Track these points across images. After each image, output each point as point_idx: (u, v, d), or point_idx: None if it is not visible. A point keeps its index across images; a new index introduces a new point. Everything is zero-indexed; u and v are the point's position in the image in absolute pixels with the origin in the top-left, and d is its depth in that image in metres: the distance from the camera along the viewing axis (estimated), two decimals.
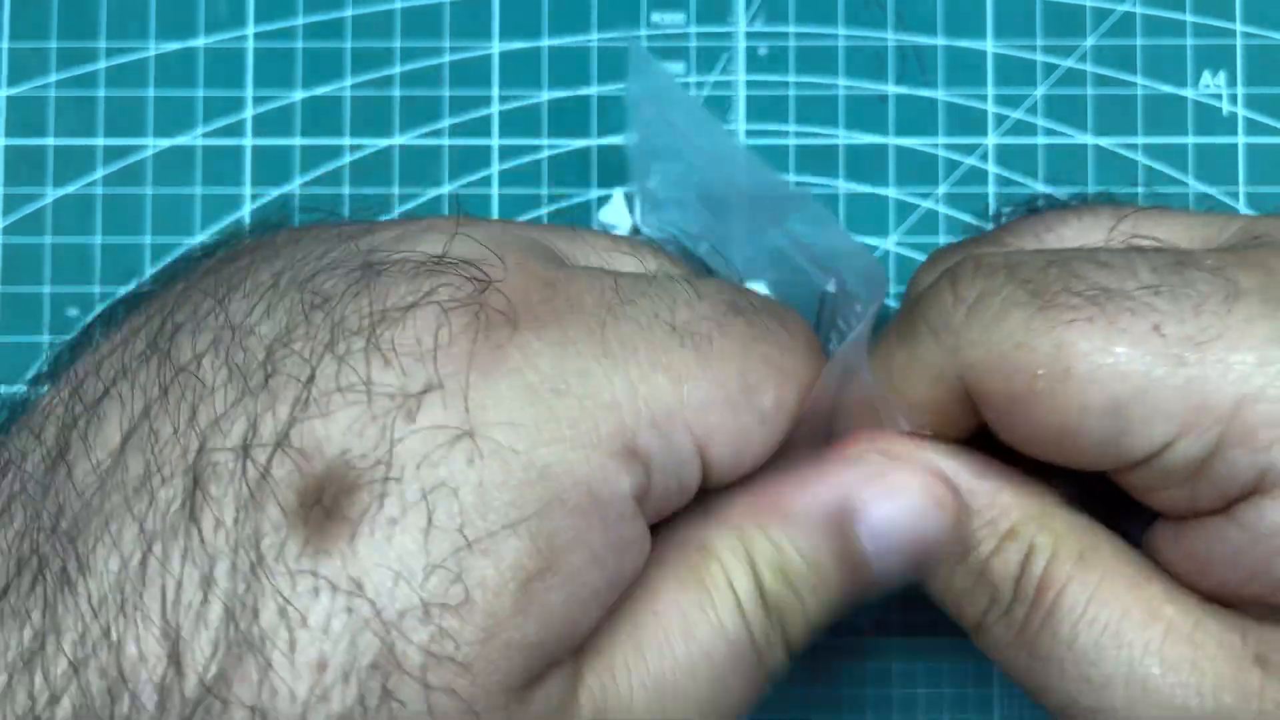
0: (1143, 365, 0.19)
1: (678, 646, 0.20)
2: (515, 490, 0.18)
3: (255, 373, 0.18)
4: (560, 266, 0.21)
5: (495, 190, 0.31)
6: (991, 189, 0.31)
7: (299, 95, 0.31)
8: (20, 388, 0.30)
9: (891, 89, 0.31)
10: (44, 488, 0.18)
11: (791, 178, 0.30)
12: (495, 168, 0.31)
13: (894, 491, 0.21)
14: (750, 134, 0.31)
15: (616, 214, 0.30)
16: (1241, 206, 0.30)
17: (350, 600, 0.17)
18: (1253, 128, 0.31)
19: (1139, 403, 0.19)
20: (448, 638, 0.17)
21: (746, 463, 0.20)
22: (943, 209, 0.31)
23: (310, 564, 0.17)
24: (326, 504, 0.17)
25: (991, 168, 0.31)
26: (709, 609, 0.20)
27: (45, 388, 0.20)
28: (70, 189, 0.31)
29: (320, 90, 0.31)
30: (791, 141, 0.31)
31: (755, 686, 0.20)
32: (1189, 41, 0.31)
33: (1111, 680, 0.20)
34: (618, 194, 0.30)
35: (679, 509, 0.20)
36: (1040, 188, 0.31)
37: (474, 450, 0.17)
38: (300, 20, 0.31)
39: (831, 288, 0.25)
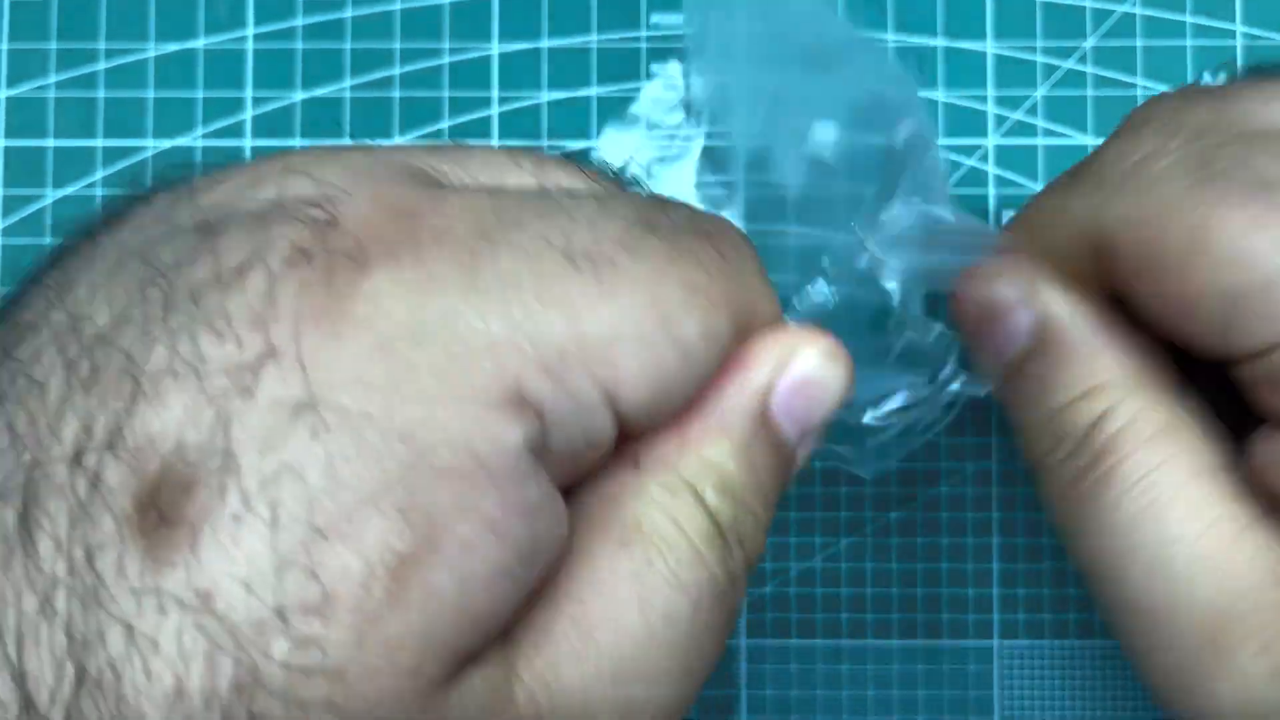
0: (1274, 262, 0.19)
1: (632, 618, 0.17)
2: (371, 461, 0.15)
3: (83, 366, 0.16)
4: (428, 191, 0.17)
5: None
6: (992, 190, 0.31)
7: (299, 96, 0.31)
8: None
9: None
10: None
11: None
12: None
13: (794, 363, 0.19)
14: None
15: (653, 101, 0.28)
16: None
17: (199, 617, 0.14)
18: None
19: (1259, 297, 0.19)
20: (312, 646, 0.14)
21: (675, 403, 0.17)
22: None
23: (153, 579, 0.14)
24: (163, 507, 0.15)
25: (991, 169, 0.31)
26: (660, 563, 0.17)
27: None
28: (70, 190, 0.31)
29: (320, 91, 0.31)
30: None
31: (729, 621, 0.18)
32: (1189, 42, 0.31)
33: (1135, 556, 0.20)
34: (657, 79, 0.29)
35: (598, 466, 0.17)
36: (1040, 189, 0.31)
37: (318, 422, 0.15)
38: (300, 21, 0.31)
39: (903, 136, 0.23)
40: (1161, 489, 0.20)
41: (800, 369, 0.19)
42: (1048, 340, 0.22)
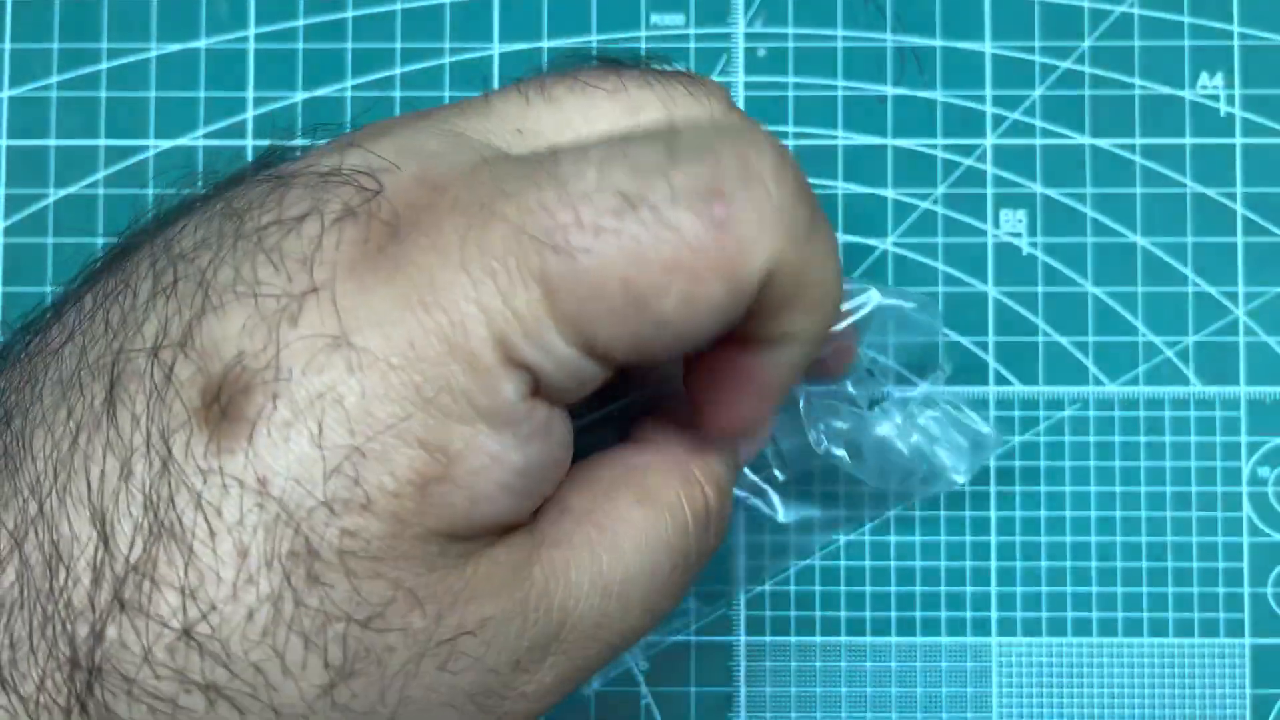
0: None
1: (630, 556, 0.21)
2: (397, 403, 0.18)
3: (166, 277, 0.19)
4: (466, 166, 0.20)
5: None
6: (990, 190, 0.31)
7: (300, 96, 0.31)
8: None
9: (890, 90, 0.31)
10: (13, 386, 0.20)
11: None
12: None
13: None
14: None
15: None
16: (1239, 207, 0.30)
17: (259, 497, 0.18)
18: (1250, 128, 0.31)
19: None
20: (357, 536, 0.18)
21: (663, 355, 0.19)
22: (941, 209, 0.31)
23: (216, 461, 0.18)
24: (224, 403, 0.18)
25: (990, 168, 0.31)
26: (662, 526, 0.22)
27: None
28: (72, 189, 0.31)
29: (321, 91, 0.31)
30: (790, 142, 0.31)
31: (686, 586, 0.22)
32: (1187, 42, 0.31)
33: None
34: None
35: (607, 382, 0.20)
36: (1038, 188, 0.31)
37: (354, 359, 0.18)
38: (301, 21, 0.31)
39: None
40: None
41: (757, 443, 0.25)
42: None
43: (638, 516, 0.21)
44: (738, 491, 0.30)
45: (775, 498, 0.30)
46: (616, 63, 0.22)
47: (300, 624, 0.18)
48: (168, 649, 0.18)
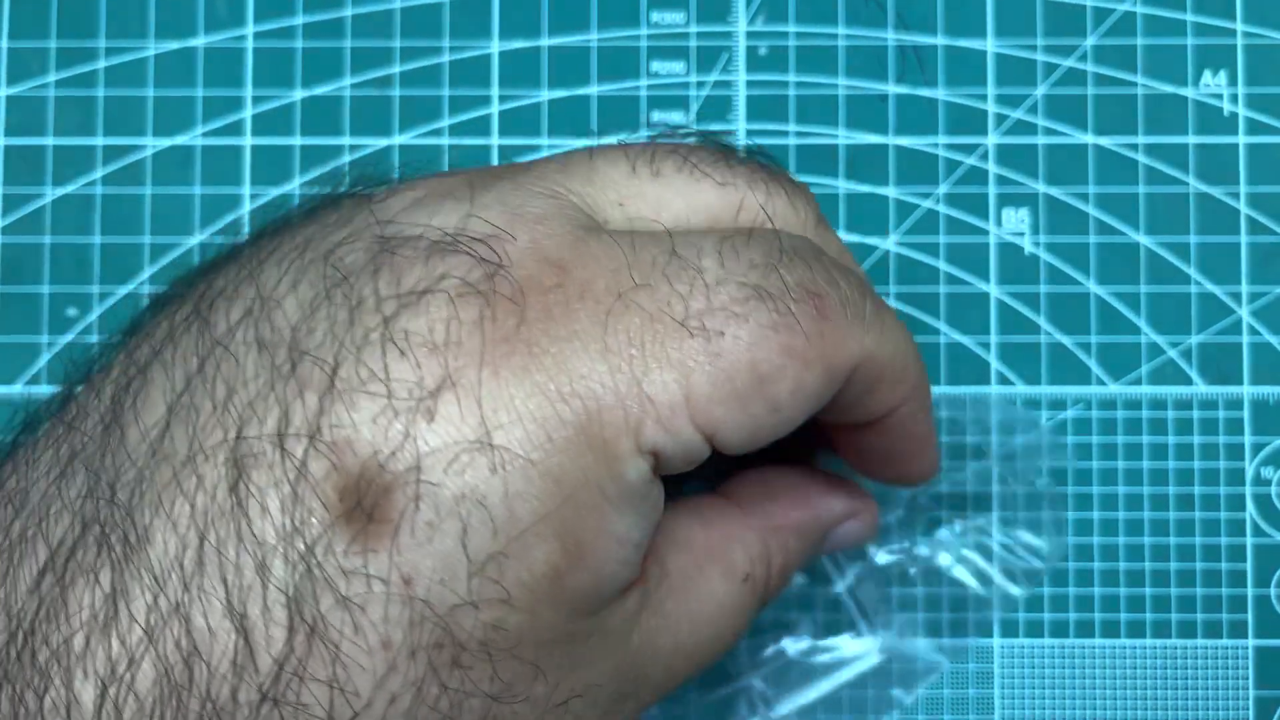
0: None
1: (706, 628, 0.23)
2: (538, 499, 0.19)
3: (282, 356, 0.19)
4: (575, 240, 0.20)
5: None
6: (992, 189, 0.31)
7: (299, 95, 0.31)
8: (19, 388, 0.30)
9: (891, 89, 0.31)
10: (101, 450, 0.19)
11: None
12: None
13: (859, 521, 0.26)
14: (750, 134, 0.31)
15: None
16: (1243, 206, 0.30)
17: (401, 594, 0.18)
18: (1253, 127, 0.31)
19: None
20: (497, 628, 0.19)
21: (762, 442, 0.21)
22: (943, 209, 0.31)
23: (359, 562, 0.18)
24: (366, 506, 0.18)
25: (992, 167, 0.31)
26: (729, 583, 0.23)
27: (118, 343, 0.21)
28: (69, 189, 0.31)
29: (320, 89, 0.31)
30: (791, 141, 0.31)
31: (736, 639, 0.24)
32: (1189, 41, 0.31)
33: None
34: None
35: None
36: (1040, 187, 0.31)
37: (496, 459, 0.18)
38: (300, 20, 0.31)
39: None
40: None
41: (852, 525, 0.26)
42: None
43: (721, 591, 0.23)
44: None
45: None
46: (723, 147, 0.23)
47: (440, 704, 0.19)
48: None
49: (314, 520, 0.18)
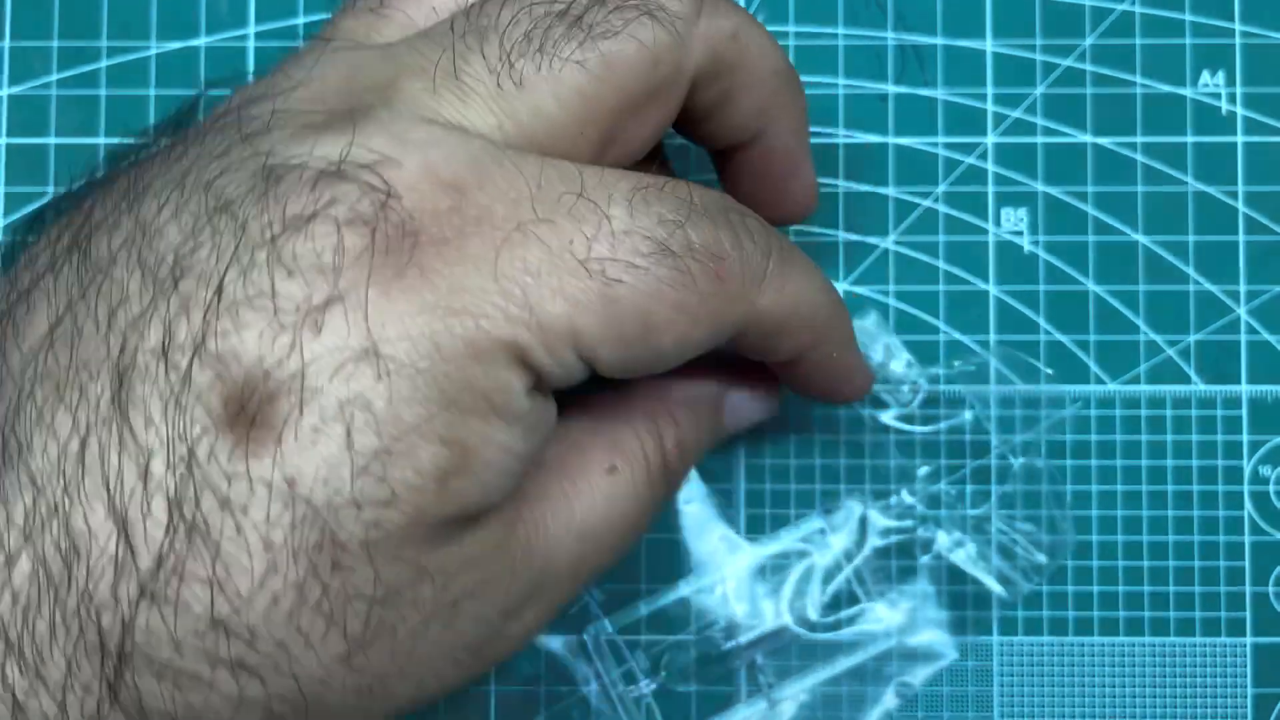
0: None
1: (600, 505, 0.23)
2: (423, 404, 0.19)
3: (165, 276, 0.19)
4: (472, 162, 0.20)
5: None
6: (991, 188, 0.31)
7: None
8: None
9: (891, 88, 0.31)
10: None
11: None
12: None
13: (755, 393, 0.27)
14: None
15: None
16: (1241, 205, 0.30)
17: (286, 497, 0.18)
18: (1252, 127, 0.31)
19: None
20: (380, 527, 0.19)
21: (640, 375, 0.22)
22: (942, 208, 0.31)
23: (242, 465, 0.18)
24: (251, 411, 0.18)
25: (991, 167, 0.31)
26: (628, 477, 0.24)
27: None
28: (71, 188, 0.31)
29: None
30: None
31: (645, 527, 0.24)
32: (1188, 41, 0.31)
33: None
34: None
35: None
36: (1039, 187, 0.31)
37: (382, 367, 0.19)
38: (301, 19, 0.31)
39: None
40: None
41: (743, 396, 0.26)
42: None
43: (607, 469, 0.23)
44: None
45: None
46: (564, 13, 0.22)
47: (323, 606, 0.19)
48: (196, 634, 0.18)
49: (197, 427, 0.18)
